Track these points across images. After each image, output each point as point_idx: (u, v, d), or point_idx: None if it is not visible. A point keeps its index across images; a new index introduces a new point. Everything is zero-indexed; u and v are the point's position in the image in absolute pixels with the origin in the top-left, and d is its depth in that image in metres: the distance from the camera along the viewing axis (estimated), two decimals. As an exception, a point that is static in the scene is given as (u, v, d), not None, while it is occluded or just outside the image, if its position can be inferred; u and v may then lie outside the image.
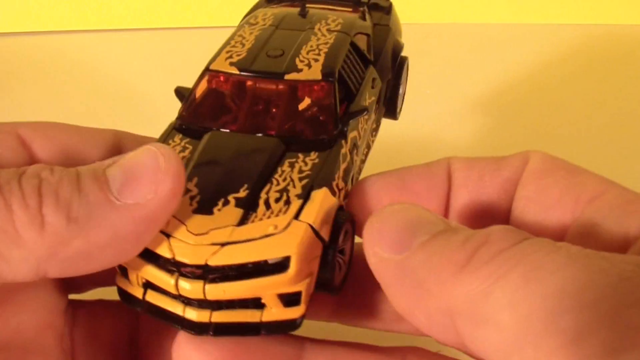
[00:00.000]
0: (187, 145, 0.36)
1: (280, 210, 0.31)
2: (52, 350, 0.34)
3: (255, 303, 0.32)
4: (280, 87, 0.36)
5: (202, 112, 0.37)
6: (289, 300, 0.32)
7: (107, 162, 0.30)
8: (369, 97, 0.39)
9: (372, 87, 0.40)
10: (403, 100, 0.46)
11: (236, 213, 0.31)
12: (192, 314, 0.33)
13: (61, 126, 0.35)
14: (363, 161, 0.40)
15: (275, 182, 0.33)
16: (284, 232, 0.31)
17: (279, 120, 0.36)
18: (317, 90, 0.36)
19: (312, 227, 0.31)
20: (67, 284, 0.36)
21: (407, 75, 0.47)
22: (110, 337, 0.36)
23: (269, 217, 0.31)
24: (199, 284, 0.31)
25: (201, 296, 0.32)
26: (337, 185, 0.34)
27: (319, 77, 0.36)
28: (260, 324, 0.33)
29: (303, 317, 0.33)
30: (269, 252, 0.31)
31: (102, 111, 0.64)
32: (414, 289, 0.28)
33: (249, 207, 0.32)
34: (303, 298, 0.32)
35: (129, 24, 0.73)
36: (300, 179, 0.33)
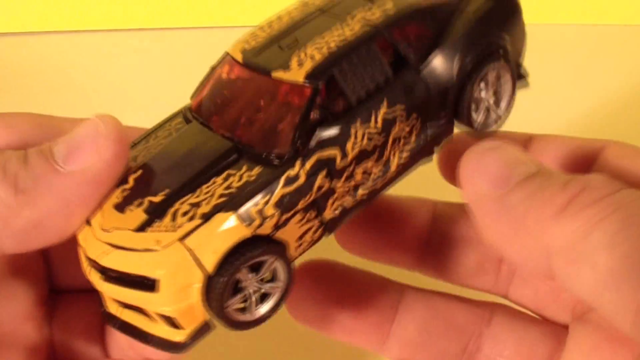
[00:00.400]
0: (172, 132, 0.35)
1: (179, 226, 0.30)
2: (32, 340, 0.34)
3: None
4: (263, 86, 0.34)
5: (201, 99, 0.36)
6: (172, 322, 0.31)
7: (54, 141, 0.31)
8: (386, 112, 0.34)
9: (395, 101, 0.34)
10: (500, 112, 0.38)
11: (141, 218, 0.31)
12: (109, 304, 0.33)
13: (25, 116, 0.36)
14: (373, 191, 0.34)
15: (198, 193, 0.31)
16: (162, 251, 0.30)
17: (244, 123, 0.33)
18: (291, 94, 0.33)
19: (192, 253, 0.29)
20: (49, 280, 0.37)
21: (509, 84, 0.38)
22: (87, 324, 0.36)
23: (165, 230, 0.30)
24: (98, 278, 0.32)
25: (100, 290, 0.32)
26: (259, 212, 0.31)
27: (301, 79, 0.32)
28: (149, 335, 0.32)
29: (188, 343, 0.31)
30: (141, 267, 0.30)
31: (101, 111, 0.64)
32: (512, 225, 0.29)
33: (156, 215, 0.31)
34: (181, 324, 0.31)
35: (129, 24, 0.73)
36: (221, 196, 0.31)
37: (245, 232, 0.30)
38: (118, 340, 0.36)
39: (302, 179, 0.31)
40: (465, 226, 0.38)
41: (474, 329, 0.38)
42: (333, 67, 0.32)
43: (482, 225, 0.31)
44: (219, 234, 0.30)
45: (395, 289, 0.38)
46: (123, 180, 0.32)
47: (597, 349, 0.33)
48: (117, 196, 0.32)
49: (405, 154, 0.35)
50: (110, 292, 0.32)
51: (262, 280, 0.31)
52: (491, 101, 0.37)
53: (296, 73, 0.32)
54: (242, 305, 0.31)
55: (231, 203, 0.30)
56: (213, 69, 0.36)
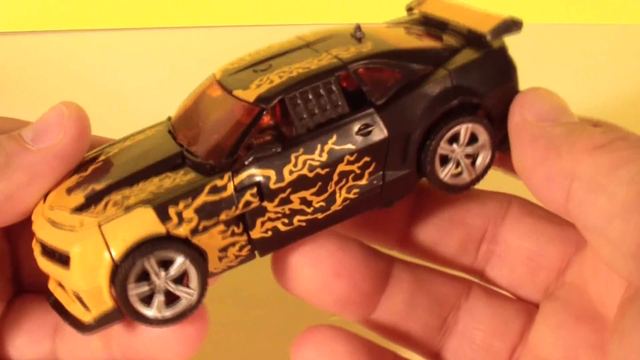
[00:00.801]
0: (146, 136, 0.38)
1: (104, 213, 0.33)
2: None
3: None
4: (224, 102, 0.35)
5: (183, 107, 0.38)
6: (82, 301, 0.33)
7: (21, 128, 0.35)
8: (333, 146, 0.34)
9: (346, 138, 0.34)
10: (475, 173, 0.37)
11: (79, 201, 0.33)
12: (50, 283, 0.36)
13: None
14: (314, 222, 0.34)
15: (134, 188, 0.34)
16: (80, 231, 0.32)
17: (198, 134, 0.35)
18: (242, 112, 0.34)
19: (104, 238, 0.31)
20: (16, 282, 0.39)
21: (486, 145, 0.36)
22: (38, 325, 0.38)
23: (94, 215, 0.33)
24: (38, 251, 0.34)
25: (39, 264, 0.34)
26: (177, 213, 0.32)
27: (252, 100, 0.34)
28: (67, 313, 0.34)
29: (93, 326, 0.33)
30: (60, 242, 0.32)
31: (101, 111, 0.64)
32: (545, 149, 0.32)
33: (93, 201, 0.33)
34: (88, 304, 0.33)
35: (129, 23, 0.73)
36: (150, 193, 0.33)
37: (160, 229, 0.32)
38: (67, 342, 0.38)
39: (228, 191, 0.33)
40: (449, 208, 0.39)
41: (454, 302, 0.39)
42: (285, 92, 0.34)
43: (517, 148, 0.34)
44: (132, 225, 0.32)
45: (385, 260, 0.39)
46: (84, 169, 0.36)
47: (564, 325, 0.35)
48: (72, 181, 0.35)
49: (354, 193, 0.35)
50: (43, 266, 0.34)
51: (175, 282, 0.33)
52: (464, 160, 0.37)
53: (251, 94, 0.34)
54: (147, 292, 0.33)
55: (154, 200, 0.32)
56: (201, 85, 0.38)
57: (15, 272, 0.39)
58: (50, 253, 0.33)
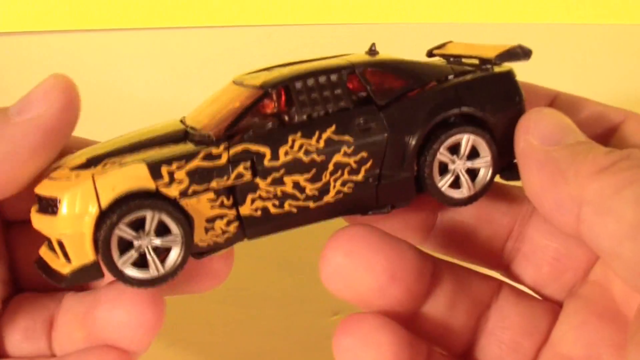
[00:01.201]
0: (161, 124, 0.39)
1: (101, 170, 0.34)
2: None
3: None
4: (233, 91, 0.37)
5: (197, 107, 0.40)
6: (65, 251, 0.34)
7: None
8: (331, 135, 0.35)
9: (344, 130, 0.35)
10: (474, 190, 0.37)
11: (80, 161, 0.35)
12: (41, 248, 0.37)
13: None
14: (305, 210, 0.35)
15: (134, 154, 0.35)
16: (74, 181, 0.33)
17: (207, 117, 0.37)
18: (244, 95, 0.36)
19: (95, 186, 0.33)
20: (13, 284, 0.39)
21: (487, 163, 0.37)
22: (34, 322, 0.38)
23: (90, 171, 0.34)
24: (34, 210, 0.35)
25: (34, 224, 0.35)
26: (169, 172, 0.33)
27: (258, 84, 0.36)
28: (52, 270, 0.35)
29: (69, 277, 0.34)
30: (53, 191, 0.33)
31: (101, 111, 0.64)
32: (552, 175, 0.32)
33: (94, 162, 0.35)
34: (70, 253, 0.33)
35: (128, 23, 0.73)
36: (148, 155, 0.34)
37: (150, 184, 0.33)
38: (57, 335, 0.38)
39: (223, 160, 0.34)
40: (476, 205, 0.39)
41: (486, 302, 0.39)
42: (290, 80, 0.35)
43: (525, 174, 0.34)
44: (124, 177, 0.33)
45: (431, 260, 0.38)
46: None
47: (586, 323, 0.35)
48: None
49: (348, 187, 0.36)
50: (36, 222, 0.35)
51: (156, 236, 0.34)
52: (464, 174, 0.37)
53: (259, 81, 0.36)
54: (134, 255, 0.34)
55: (149, 158, 0.34)
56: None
57: (12, 274, 0.39)
58: (42, 205, 0.34)
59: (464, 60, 0.40)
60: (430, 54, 0.43)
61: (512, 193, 0.40)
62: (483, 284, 0.39)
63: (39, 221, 0.34)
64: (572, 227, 0.32)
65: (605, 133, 0.38)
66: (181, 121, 0.38)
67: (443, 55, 0.42)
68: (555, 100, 0.40)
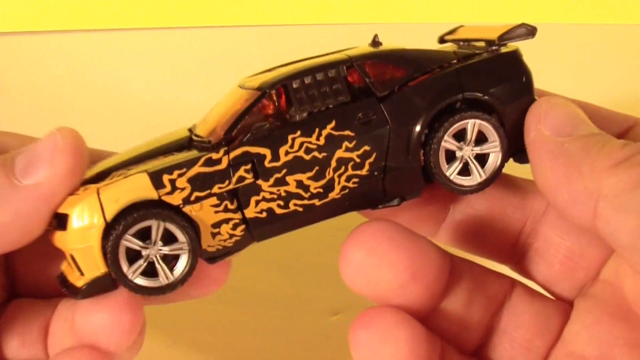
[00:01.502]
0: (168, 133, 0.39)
1: (105, 183, 0.34)
2: None
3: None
4: (235, 94, 0.38)
5: (205, 115, 0.40)
6: (77, 265, 0.34)
7: (20, 149, 0.33)
8: (331, 131, 0.35)
9: (345, 125, 0.35)
10: (484, 175, 0.36)
11: (90, 175, 0.35)
12: (63, 263, 0.37)
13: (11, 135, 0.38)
14: (310, 208, 0.35)
15: (140, 164, 0.35)
16: (81, 195, 0.33)
17: (209, 123, 0.37)
18: (244, 97, 0.36)
19: (100, 199, 0.33)
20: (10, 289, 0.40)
21: (496, 147, 0.36)
22: (30, 327, 0.39)
23: (98, 184, 0.34)
24: (52, 225, 0.35)
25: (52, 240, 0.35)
26: (170, 180, 0.34)
27: (257, 85, 0.36)
28: (69, 284, 0.35)
29: (84, 290, 0.34)
30: (64, 207, 0.33)
31: (102, 111, 0.64)
32: (566, 168, 0.32)
33: (102, 175, 0.35)
34: (82, 267, 0.34)
35: (129, 23, 0.73)
36: (152, 165, 0.34)
37: (152, 194, 0.33)
38: (55, 343, 0.38)
39: (223, 164, 0.34)
40: (489, 198, 0.39)
41: (500, 301, 0.39)
42: (288, 79, 0.35)
43: (537, 167, 0.34)
44: (127, 188, 0.33)
45: (448, 257, 0.38)
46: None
47: (599, 323, 0.35)
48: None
49: (353, 182, 0.35)
50: (54, 240, 0.35)
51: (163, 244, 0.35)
52: (473, 160, 0.36)
53: (257, 82, 0.36)
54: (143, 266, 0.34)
55: (152, 168, 0.34)
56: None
57: (9, 279, 0.40)
58: (58, 223, 0.34)
59: (473, 43, 0.39)
60: (441, 40, 0.42)
61: (525, 187, 0.39)
62: (497, 282, 0.39)
63: (56, 237, 0.35)
64: (588, 221, 0.32)
65: (616, 137, 0.38)
66: (189, 129, 0.38)
67: (454, 41, 0.41)
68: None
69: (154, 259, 0.34)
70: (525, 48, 0.68)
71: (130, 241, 0.34)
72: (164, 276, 0.34)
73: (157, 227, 0.34)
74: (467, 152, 0.36)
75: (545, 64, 0.68)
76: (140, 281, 0.34)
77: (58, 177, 0.33)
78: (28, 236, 0.34)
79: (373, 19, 0.71)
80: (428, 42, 0.76)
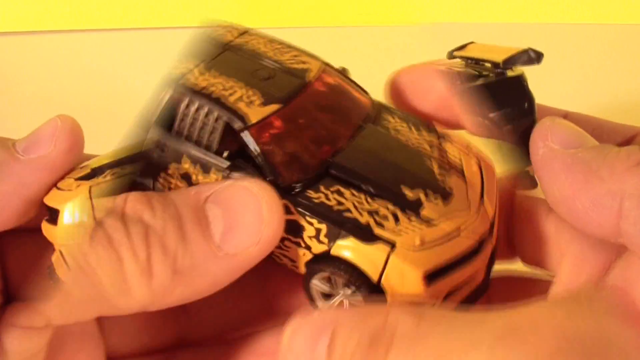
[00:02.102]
0: None
1: (99, 180, 0.34)
2: None
3: None
4: None
5: None
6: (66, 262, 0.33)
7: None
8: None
9: None
10: None
11: (85, 172, 0.35)
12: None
13: None
14: None
15: (136, 163, 0.35)
16: (74, 191, 0.33)
17: None
18: None
19: (91, 197, 0.33)
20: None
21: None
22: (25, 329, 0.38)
23: (92, 181, 0.34)
24: (45, 220, 0.35)
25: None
26: (164, 178, 0.33)
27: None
28: (55, 276, 0.34)
29: None
30: (55, 201, 0.34)
31: (102, 111, 0.64)
32: (584, 175, 0.31)
33: (98, 172, 0.35)
34: (68, 262, 0.32)
35: (129, 23, 0.73)
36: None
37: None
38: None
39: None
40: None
41: None
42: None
43: (551, 180, 0.32)
44: (119, 188, 0.33)
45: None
46: None
47: None
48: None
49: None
50: (45, 232, 0.34)
51: None
52: None
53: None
54: None
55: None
56: None
57: (4, 283, 0.38)
58: (51, 217, 0.34)
59: (482, 63, 0.38)
60: (451, 55, 0.41)
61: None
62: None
63: (47, 230, 0.35)
64: (610, 227, 0.31)
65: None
66: None
67: (463, 57, 0.40)
68: (565, 118, 0.39)
69: None
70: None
71: None
72: None
73: None
74: None
75: (546, 64, 0.68)
76: None
77: (58, 150, 0.33)
78: (28, 207, 0.34)
79: (376, 21, 0.71)
80: (429, 43, 0.76)
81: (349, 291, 0.31)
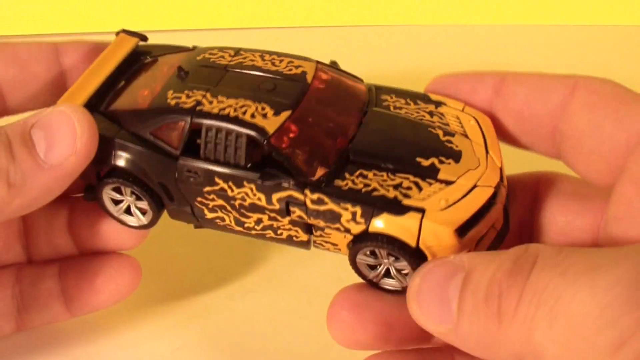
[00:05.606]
0: None
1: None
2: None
3: None
4: None
5: None
6: None
7: (30, 120, 0.36)
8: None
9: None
10: None
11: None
12: None
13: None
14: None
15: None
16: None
17: None
18: None
19: None
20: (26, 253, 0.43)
21: None
22: (49, 289, 0.42)
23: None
24: None
25: None
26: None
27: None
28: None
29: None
30: None
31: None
32: (485, 346, 0.29)
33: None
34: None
35: (138, 26, 0.73)
36: None
37: None
38: (80, 297, 0.42)
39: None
40: None
41: None
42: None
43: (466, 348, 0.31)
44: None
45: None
46: None
47: None
48: None
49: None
50: None
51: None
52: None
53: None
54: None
55: None
56: None
57: (26, 242, 0.42)
58: None
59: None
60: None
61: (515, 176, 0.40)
62: None
63: None
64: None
65: (554, 110, 0.36)
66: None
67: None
68: (502, 82, 0.38)
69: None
70: (527, 48, 0.68)
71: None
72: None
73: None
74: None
75: (546, 64, 0.69)
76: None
77: (79, 157, 0.35)
78: (45, 202, 0.37)
79: (378, 21, 0.71)
80: (431, 43, 0.76)
81: (392, 259, 0.34)
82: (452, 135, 0.36)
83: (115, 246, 0.42)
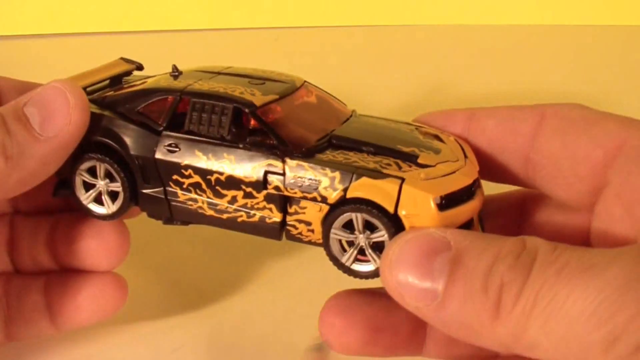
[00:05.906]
0: None
1: None
2: None
3: None
4: None
5: None
6: None
7: (23, 99, 0.36)
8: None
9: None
10: None
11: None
12: None
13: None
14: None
15: None
16: None
17: None
18: None
19: None
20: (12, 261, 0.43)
21: None
22: (35, 302, 0.42)
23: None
24: None
25: None
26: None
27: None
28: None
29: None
30: None
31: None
32: (465, 329, 0.29)
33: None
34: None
35: (135, 26, 0.73)
36: None
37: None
38: (63, 313, 0.41)
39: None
40: None
41: None
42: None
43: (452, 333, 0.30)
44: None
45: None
46: None
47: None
48: None
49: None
50: None
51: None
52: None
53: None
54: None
55: None
56: None
57: (11, 253, 0.42)
58: None
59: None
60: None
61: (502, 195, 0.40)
62: None
63: None
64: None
65: (524, 141, 0.36)
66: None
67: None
68: (472, 117, 0.38)
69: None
70: (526, 49, 0.68)
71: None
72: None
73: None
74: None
75: (546, 64, 0.69)
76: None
77: (75, 127, 0.36)
78: (46, 177, 0.37)
79: (379, 21, 0.71)
80: (431, 44, 0.76)
81: (367, 232, 0.34)
82: (431, 140, 0.37)
83: (92, 266, 0.42)
